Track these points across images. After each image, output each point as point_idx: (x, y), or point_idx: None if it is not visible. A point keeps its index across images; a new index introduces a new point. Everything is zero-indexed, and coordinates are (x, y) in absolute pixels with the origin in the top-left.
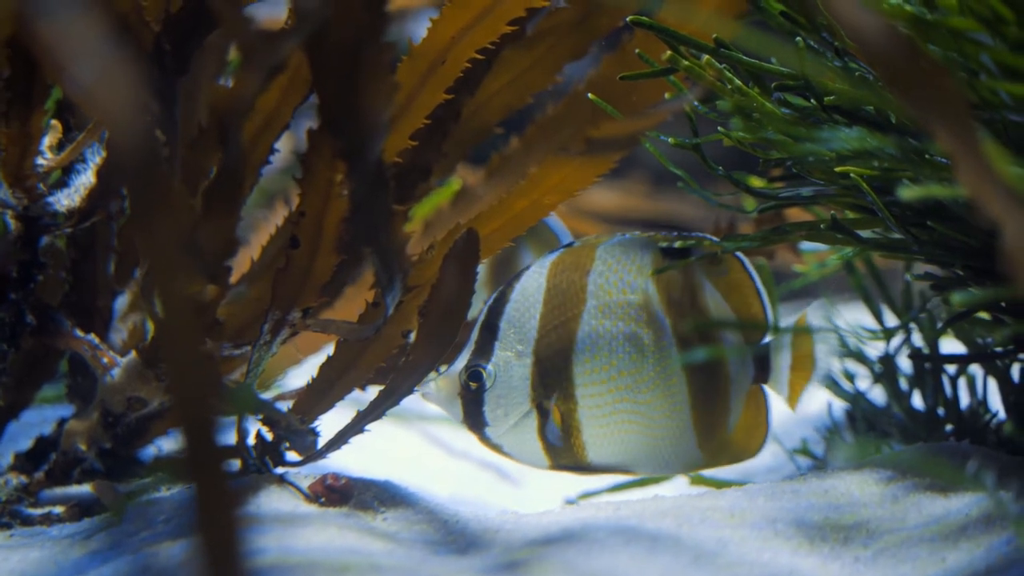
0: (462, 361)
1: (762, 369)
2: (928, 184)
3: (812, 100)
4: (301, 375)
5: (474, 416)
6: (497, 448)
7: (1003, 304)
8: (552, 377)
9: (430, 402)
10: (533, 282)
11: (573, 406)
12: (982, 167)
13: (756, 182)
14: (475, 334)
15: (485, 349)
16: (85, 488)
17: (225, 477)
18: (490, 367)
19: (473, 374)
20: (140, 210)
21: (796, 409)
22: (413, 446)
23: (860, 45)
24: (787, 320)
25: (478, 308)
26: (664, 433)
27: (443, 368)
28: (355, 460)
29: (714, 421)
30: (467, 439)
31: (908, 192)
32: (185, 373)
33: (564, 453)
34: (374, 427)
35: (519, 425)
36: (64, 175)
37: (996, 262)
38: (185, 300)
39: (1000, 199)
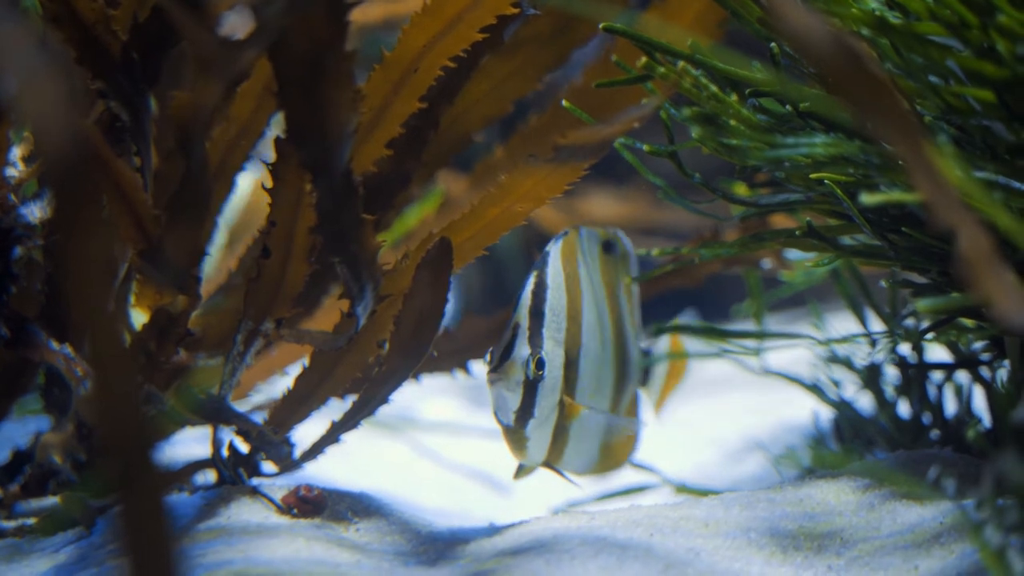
0: (523, 347)
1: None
2: (892, 190)
3: (788, 107)
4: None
5: (527, 407)
6: (522, 442)
7: (980, 309)
8: (571, 370)
9: (495, 387)
10: (556, 268)
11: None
12: (932, 173)
13: (741, 189)
14: (526, 320)
15: (536, 336)
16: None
17: (157, 499)
18: (544, 355)
19: (540, 361)
20: (64, 223)
21: (659, 414)
22: (402, 456)
23: (804, 51)
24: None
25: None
26: (593, 434)
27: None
28: (342, 471)
29: (615, 425)
30: (456, 449)
31: (869, 198)
32: (111, 395)
33: (553, 451)
34: (364, 439)
35: (548, 419)
36: (40, 186)
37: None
38: (111, 320)
39: (953, 206)
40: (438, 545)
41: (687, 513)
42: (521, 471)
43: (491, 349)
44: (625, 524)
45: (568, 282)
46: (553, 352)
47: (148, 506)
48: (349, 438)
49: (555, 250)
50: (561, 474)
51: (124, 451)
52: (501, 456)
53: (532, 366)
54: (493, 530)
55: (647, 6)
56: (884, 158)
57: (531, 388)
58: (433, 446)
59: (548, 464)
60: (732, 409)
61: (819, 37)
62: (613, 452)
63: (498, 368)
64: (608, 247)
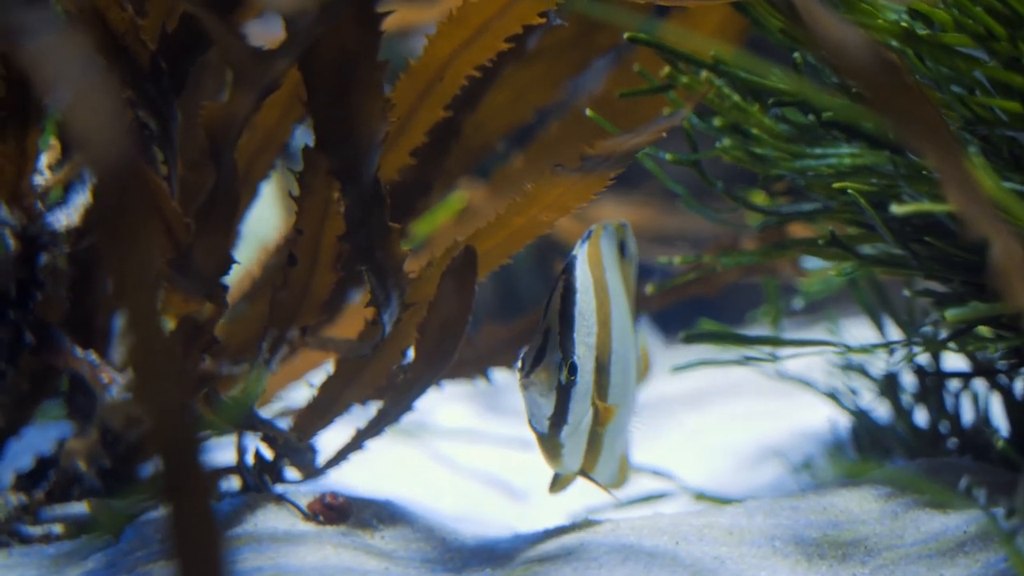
0: (555, 352)
1: None
2: (921, 200)
3: (811, 116)
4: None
5: (560, 413)
6: (557, 449)
7: (1001, 319)
8: (602, 376)
9: (527, 392)
10: (584, 272)
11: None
12: (967, 184)
13: (760, 197)
14: (556, 323)
15: (567, 341)
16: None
17: (205, 500)
18: (576, 360)
19: (572, 366)
20: (112, 232)
21: None
22: (420, 464)
23: (840, 61)
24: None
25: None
26: (618, 441)
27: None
28: (361, 478)
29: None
30: (473, 456)
31: (899, 208)
32: (157, 395)
33: (587, 459)
34: (381, 445)
35: (582, 426)
36: (65, 193)
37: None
38: (158, 325)
39: (986, 215)
40: (463, 553)
41: (711, 521)
42: (557, 483)
43: (522, 355)
44: (651, 532)
45: (596, 286)
46: (585, 357)
47: (196, 509)
48: (369, 445)
49: (582, 253)
50: (597, 483)
51: (171, 454)
52: (517, 463)
53: (565, 371)
54: (518, 538)
55: (667, 15)
56: (910, 168)
57: (564, 394)
58: (450, 452)
59: (583, 473)
60: (744, 416)
61: (856, 49)
62: (623, 461)
63: (530, 373)
64: (621, 247)
